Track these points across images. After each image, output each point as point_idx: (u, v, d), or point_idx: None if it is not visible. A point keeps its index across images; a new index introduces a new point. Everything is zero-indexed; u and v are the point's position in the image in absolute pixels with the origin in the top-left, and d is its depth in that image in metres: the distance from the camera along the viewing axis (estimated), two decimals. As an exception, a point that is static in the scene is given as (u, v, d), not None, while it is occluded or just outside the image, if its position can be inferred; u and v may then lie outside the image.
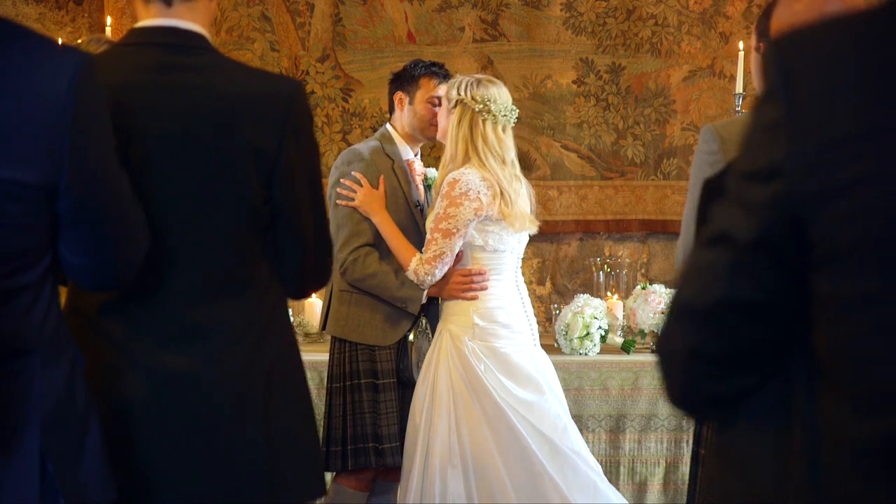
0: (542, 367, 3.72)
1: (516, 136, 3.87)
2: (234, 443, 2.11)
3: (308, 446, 2.27)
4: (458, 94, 3.68)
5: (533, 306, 3.85)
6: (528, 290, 3.94)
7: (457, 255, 3.71)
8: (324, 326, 4.05)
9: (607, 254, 5.66)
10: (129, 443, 2.05)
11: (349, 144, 5.17)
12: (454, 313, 3.69)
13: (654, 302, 4.52)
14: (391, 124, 4.08)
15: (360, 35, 5.66)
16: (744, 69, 4.96)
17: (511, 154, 3.70)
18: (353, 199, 3.89)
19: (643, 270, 5.76)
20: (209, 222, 2.10)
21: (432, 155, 4.88)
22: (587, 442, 3.90)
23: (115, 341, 2.08)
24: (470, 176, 3.62)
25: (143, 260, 1.92)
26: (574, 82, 5.70)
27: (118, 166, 1.83)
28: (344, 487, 3.96)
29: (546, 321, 5.33)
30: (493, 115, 3.66)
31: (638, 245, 5.83)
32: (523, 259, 3.90)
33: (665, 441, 4.42)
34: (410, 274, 3.74)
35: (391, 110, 4.11)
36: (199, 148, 2.08)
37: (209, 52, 2.14)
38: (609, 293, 5.03)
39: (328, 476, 3.96)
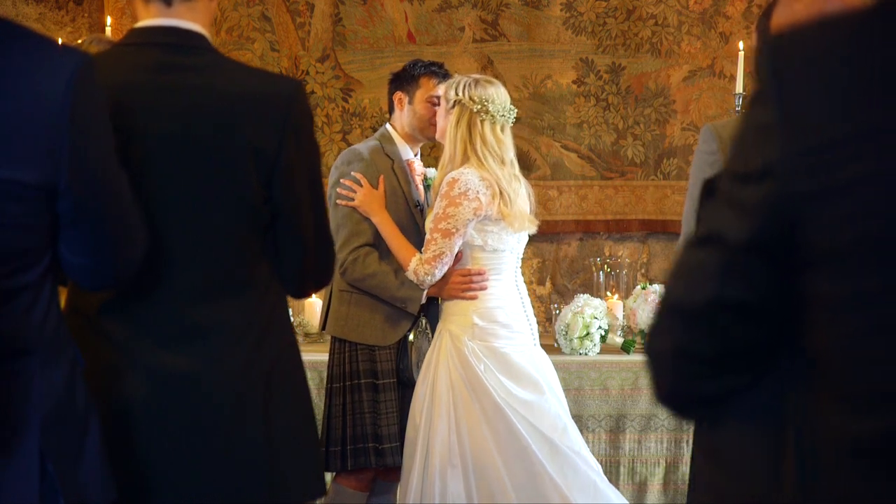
0: (542, 366, 3.72)
1: (516, 136, 3.87)
2: (234, 443, 2.11)
3: (308, 446, 2.27)
4: (456, 95, 3.68)
5: (533, 306, 3.85)
6: (528, 290, 3.95)
7: (456, 255, 3.71)
8: (323, 326, 4.05)
9: (607, 254, 5.67)
10: (129, 443, 2.05)
11: (349, 144, 5.17)
12: (454, 313, 3.69)
13: (654, 302, 4.52)
14: (391, 124, 4.08)
15: (360, 35, 5.66)
16: (744, 69, 4.96)
17: (510, 154, 3.70)
18: (352, 199, 3.89)
19: (643, 270, 5.76)
20: (209, 222, 2.10)
21: (432, 155, 4.88)
22: (587, 442, 3.90)
23: (115, 341, 2.08)
24: (469, 176, 3.62)
25: (142, 259, 1.92)
26: (574, 82, 5.70)
27: (118, 166, 1.83)
28: (344, 487, 3.96)
29: (546, 321, 5.33)
30: (492, 116, 3.65)
31: (638, 245, 5.83)
32: (523, 259, 3.89)
33: (665, 441, 4.42)
34: (410, 274, 3.74)
35: (391, 110, 4.11)
36: (199, 148, 2.08)
37: (209, 52, 2.14)
38: (609, 293, 5.03)
39: (328, 476, 3.96)
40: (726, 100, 5.58)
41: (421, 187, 4.04)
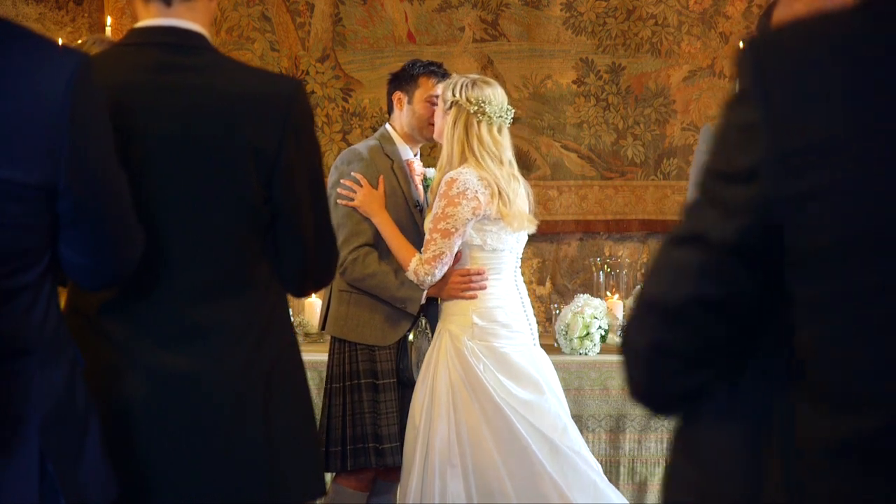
0: (541, 366, 3.72)
1: (516, 136, 3.88)
2: (234, 443, 2.11)
3: (308, 446, 2.27)
4: (454, 96, 3.68)
5: (533, 306, 3.85)
6: (528, 290, 3.94)
7: (456, 255, 3.71)
8: (323, 326, 4.05)
9: (607, 254, 5.67)
10: (129, 443, 2.05)
11: (349, 144, 5.17)
12: (453, 313, 3.69)
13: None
14: (390, 124, 4.08)
15: (360, 35, 5.66)
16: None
17: (508, 154, 3.71)
18: (353, 199, 3.89)
19: (643, 270, 5.76)
20: (209, 222, 2.10)
21: (432, 155, 4.88)
22: (587, 442, 3.90)
23: (115, 341, 2.07)
24: (467, 175, 3.62)
25: (139, 259, 1.92)
26: (574, 82, 5.70)
27: (118, 166, 1.83)
28: (344, 487, 3.96)
29: (546, 321, 5.33)
30: (488, 117, 3.66)
31: (638, 245, 5.83)
32: (523, 259, 3.89)
33: (665, 441, 4.42)
34: (410, 274, 3.74)
35: (390, 110, 4.11)
36: (199, 148, 2.08)
37: (209, 52, 2.14)
38: (609, 293, 5.03)
39: (328, 476, 3.96)
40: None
41: (420, 187, 4.04)
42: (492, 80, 3.80)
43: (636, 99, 5.70)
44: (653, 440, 4.41)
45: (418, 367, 3.79)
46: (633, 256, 5.74)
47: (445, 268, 3.69)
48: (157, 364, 2.07)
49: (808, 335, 1.17)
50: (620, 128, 5.71)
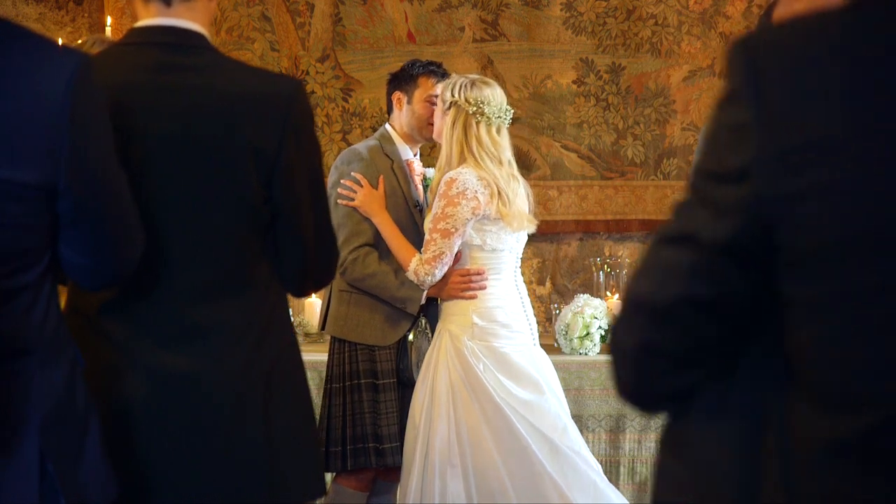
0: (541, 366, 3.72)
1: (516, 136, 3.88)
2: (234, 443, 2.11)
3: (308, 446, 2.27)
4: (452, 96, 3.69)
5: (533, 306, 3.85)
6: (528, 290, 3.95)
7: (456, 255, 3.71)
8: (323, 326, 4.05)
9: (607, 254, 5.67)
10: (129, 443, 2.05)
11: (349, 144, 5.17)
12: (453, 313, 3.69)
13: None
14: (390, 124, 4.08)
15: (360, 35, 5.66)
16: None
17: (507, 154, 3.71)
18: (353, 200, 3.90)
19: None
20: (209, 222, 2.10)
21: (432, 155, 4.88)
22: (587, 442, 3.90)
23: (115, 341, 2.07)
24: (467, 175, 3.62)
25: (140, 259, 1.92)
26: (574, 82, 5.70)
27: (118, 166, 1.83)
28: (344, 487, 3.96)
29: (546, 321, 5.33)
30: (487, 118, 3.66)
31: (638, 245, 5.83)
32: (523, 259, 3.90)
33: (665, 441, 4.42)
34: (410, 274, 3.74)
35: (389, 110, 4.11)
36: (199, 148, 2.08)
37: (209, 52, 2.14)
38: (609, 293, 5.03)
39: (328, 476, 3.96)
40: (726, 100, 5.57)
41: (420, 187, 4.04)
42: (491, 81, 3.80)
43: (636, 99, 5.70)
44: (653, 440, 4.41)
45: (418, 367, 3.79)
46: (633, 256, 5.74)
47: (445, 268, 3.69)
48: (157, 364, 2.07)
49: (806, 335, 1.16)
50: (620, 128, 5.71)
